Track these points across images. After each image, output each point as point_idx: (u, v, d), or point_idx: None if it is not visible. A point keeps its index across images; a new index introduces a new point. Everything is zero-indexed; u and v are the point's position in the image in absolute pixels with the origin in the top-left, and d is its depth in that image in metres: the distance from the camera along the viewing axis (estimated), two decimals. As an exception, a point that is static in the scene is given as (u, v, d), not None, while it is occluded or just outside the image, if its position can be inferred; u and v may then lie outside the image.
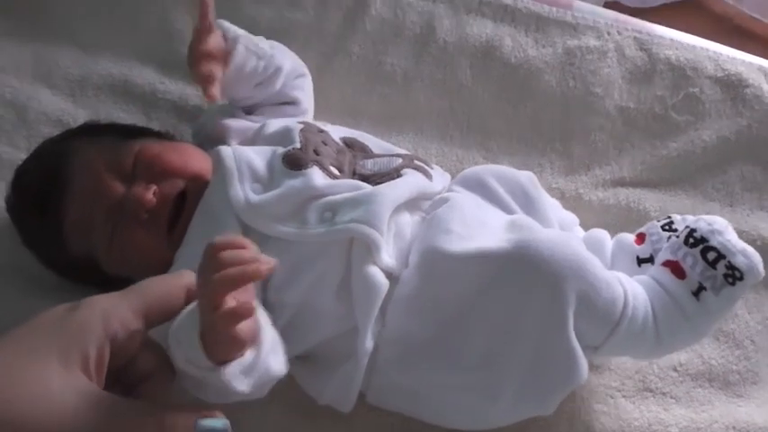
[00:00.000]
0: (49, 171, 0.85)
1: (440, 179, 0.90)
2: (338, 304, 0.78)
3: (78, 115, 1.03)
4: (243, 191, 0.80)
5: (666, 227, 0.86)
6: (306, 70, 1.00)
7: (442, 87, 1.11)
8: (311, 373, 0.82)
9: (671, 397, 0.91)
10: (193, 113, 1.04)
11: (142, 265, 0.80)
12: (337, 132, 0.92)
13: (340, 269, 0.78)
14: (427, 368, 0.76)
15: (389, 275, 0.77)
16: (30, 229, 0.88)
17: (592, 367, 0.78)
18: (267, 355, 0.61)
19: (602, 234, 0.91)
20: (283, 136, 0.86)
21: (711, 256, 0.77)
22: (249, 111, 0.96)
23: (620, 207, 1.04)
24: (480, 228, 0.79)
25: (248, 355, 0.58)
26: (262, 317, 0.62)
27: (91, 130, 0.92)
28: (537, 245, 0.73)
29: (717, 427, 0.89)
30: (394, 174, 0.85)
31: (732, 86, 1.10)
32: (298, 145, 0.83)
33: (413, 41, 1.12)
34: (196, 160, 0.86)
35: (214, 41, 0.86)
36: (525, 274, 0.73)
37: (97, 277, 0.84)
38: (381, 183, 0.82)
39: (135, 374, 0.57)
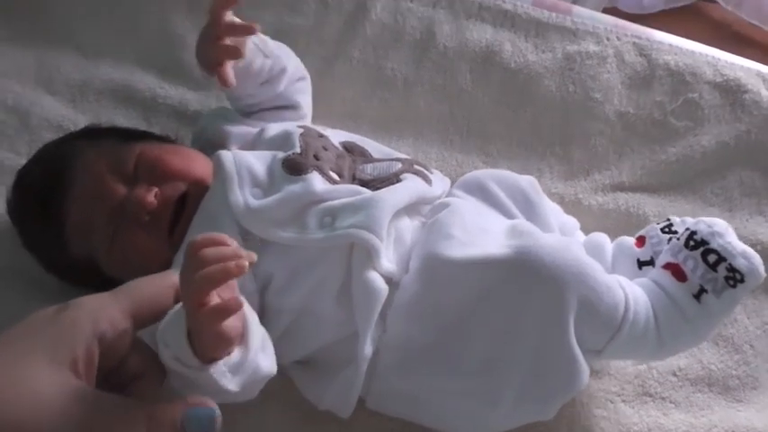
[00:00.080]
0: (51, 173, 0.85)
1: (439, 184, 0.90)
2: (338, 309, 0.78)
3: (79, 120, 1.03)
4: (243, 196, 0.80)
5: (666, 229, 0.86)
6: (306, 73, 1.00)
7: (442, 92, 1.11)
8: (311, 378, 0.82)
9: (670, 402, 0.91)
10: (194, 118, 1.05)
11: (143, 267, 0.80)
12: (337, 137, 0.92)
13: (340, 274, 0.78)
14: (427, 373, 0.76)
15: (389, 281, 0.77)
16: (30, 231, 0.88)
17: (591, 372, 0.78)
18: (256, 353, 0.62)
19: (602, 238, 0.91)
20: (283, 140, 0.86)
21: (712, 258, 0.77)
22: (248, 113, 0.96)
23: (619, 212, 1.04)
24: (481, 233, 0.79)
25: (236, 353, 0.59)
26: (249, 315, 0.62)
27: (92, 134, 0.93)
28: (538, 250, 0.73)
29: (716, 431, 0.89)
30: (393, 179, 0.85)
31: (731, 92, 1.10)
32: (298, 150, 0.83)
33: (413, 46, 1.13)
34: (198, 164, 0.86)
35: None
36: (526, 280, 0.73)
37: (97, 280, 0.84)
38: (381, 188, 0.82)
39: (125, 375, 0.57)
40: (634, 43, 1.13)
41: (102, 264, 0.84)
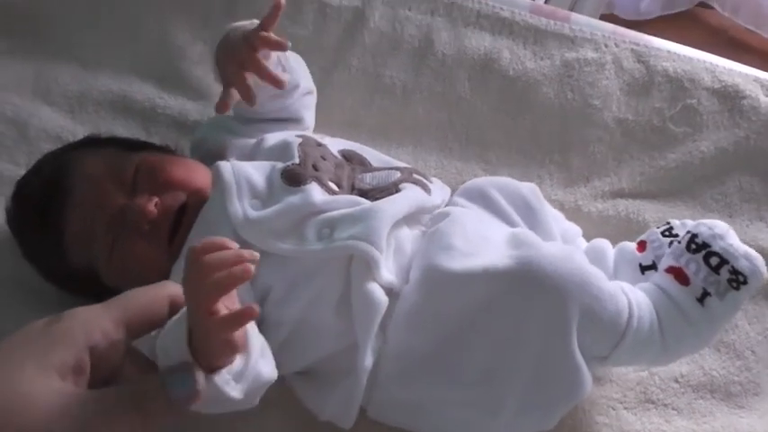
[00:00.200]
0: (51, 182, 0.85)
1: (439, 192, 0.90)
2: (338, 321, 0.78)
3: (78, 131, 1.03)
4: (241, 207, 0.79)
5: (666, 232, 0.86)
6: (313, 87, 1.00)
7: (440, 100, 1.11)
8: (311, 388, 0.82)
9: (672, 408, 0.91)
10: (193, 128, 1.04)
11: (141, 276, 0.79)
12: (336, 145, 0.92)
13: (339, 286, 0.78)
14: (428, 383, 0.76)
15: (390, 291, 0.77)
16: (30, 240, 0.88)
17: (594, 379, 0.78)
18: (257, 360, 0.61)
19: (604, 244, 0.91)
20: (282, 150, 0.86)
21: (714, 261, 0.77)
22: (248, 120, 0.96)
23: (619, 218, 1.04)
24: (482, 243, 0.79)
25: (238, 361, 0.59)
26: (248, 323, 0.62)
27: (92, 143, 0.93)
28: (540, 260, 0.73)
29: (718, 438, 0.89)
30: (392, 188, 0.85)
31: (729, 98, 1.10)
32: (296, 160, 0.83)
33: (411, 54, 1.13)
34: (198, 174, 0.86)
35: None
36: (529, 291, 0.73)
37: (96, 289, 0.83)
38: (380, 198, 0.82)
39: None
40: (632, 50, 1.14)
41: (101, 273, 0.84)
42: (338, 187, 0.83)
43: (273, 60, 0.88)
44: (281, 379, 0.69)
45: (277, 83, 0.84)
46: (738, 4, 2.20)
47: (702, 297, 0.77)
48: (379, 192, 0.84)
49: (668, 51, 1.14)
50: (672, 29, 2.07)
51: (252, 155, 0.90)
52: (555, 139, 1.09)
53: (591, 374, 0.75)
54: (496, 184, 0.90)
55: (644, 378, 0.92)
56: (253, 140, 0.92)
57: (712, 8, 2.29)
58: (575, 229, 0.94)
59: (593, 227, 1.01)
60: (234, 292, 0.58)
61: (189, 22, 1.13)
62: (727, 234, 0.79)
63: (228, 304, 0.56)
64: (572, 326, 0.72)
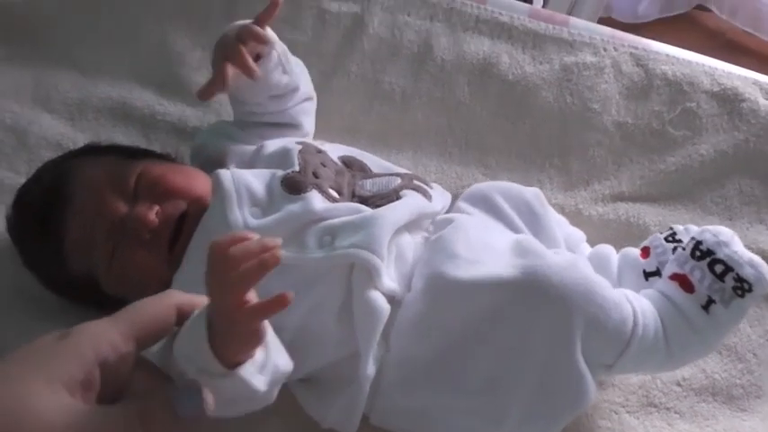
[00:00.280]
0: (51, 189, 0.85)
1: (439, 198, 0.90)
2: (339, 328, 0.77)
3: (78, 139, 1.03)
4: (242, 215, 0.79)
5: (670, 238, 0.86)
6: (313, 93, 1.00)
7: (440, 105, 1.11)
8: (314, 396, 0.81)
9: (675, 412, 0.91)
10: (193, 135, 1.04)
11: (141, 284, 0.80)
12: (336, 151, 0.92)
13: (340, 294, 0.77)
14: (431, 391, 0.76)
15: (391, 299, 0.77)
16: (30, 248, 0.87)
17: (596, 384, 0.78)
18: (273, 352, 0.62)
19: (608, 250, 0.91)
20: (282, 157, 0.86)
21: (719, 268, 0.77)
22: (247, 123, 0.96)
23: (619, 222, 1.04)
24: (486, 250, 0.79)
25: (258, 353, 0.59)
26: None
27: (92, 151, 0.92)
28: (545, 270, 0.73)
29: (721, 441, 0.89)
30: (393, 195, 0.85)
31: (728, 101, 1.10)
32: (297, 168, 0.83)
33: (410, 60, 1.13)
34: (199, 182, 0.86)
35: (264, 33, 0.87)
36: (534, 301, 0.73)
37: (96, 297, 0.84)
38: (381, 205, 0.82)
39: (132, 395, 0.57)
40: (631, 53, 1.14)
41: (100, 280, 0.84)
42: (339, 194, 0.83)
43: (274, 60, 0.89)
44: (283, 386, 0.69)
45: (248, 70, 0.84)
46: (736, 6, 2.20)
47: (707, 304, 0.77)
48: (380, 198, 0.84)
49: (667, 55, 1.14)
50: (669, 32, 2.07)
51: (252, 162, 0.89)
52: (554, 143, 1.10)
53: (595, 382, 0.75)
54: (500, 188, 0.90)
55: (646, 382, 0.92)
56: (252, 147, 0.91)
57: (710, 11, 2.29)
58: (578, 235, 0.94)
59: (593, 230, 1.01)
60: None
61: (188, 28, 1.13)
62: (731, 241, 0.79)
63: (251, 297, 0.56)
64: (576, 335, 0.72)
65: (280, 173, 0.83)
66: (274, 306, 0.54)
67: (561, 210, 1.03)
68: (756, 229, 1.05)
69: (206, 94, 0.85)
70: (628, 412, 0.90)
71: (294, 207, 0.79)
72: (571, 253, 0.89)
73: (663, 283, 0.81)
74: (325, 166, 0.86)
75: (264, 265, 0.54)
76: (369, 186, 0.86)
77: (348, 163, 0.91)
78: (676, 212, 1.06)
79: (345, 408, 0.78)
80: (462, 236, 0.80)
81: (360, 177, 0.88)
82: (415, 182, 0.89)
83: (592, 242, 0.96)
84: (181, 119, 1.07)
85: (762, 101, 1.10)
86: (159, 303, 0.59)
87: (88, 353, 0.52)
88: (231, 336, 0.55)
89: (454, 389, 0.75)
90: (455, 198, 0.95)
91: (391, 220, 0.79)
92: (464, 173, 1.07)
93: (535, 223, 0.87)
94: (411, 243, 0.83)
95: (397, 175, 0.90)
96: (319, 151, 0.89)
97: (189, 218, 0.83)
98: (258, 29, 0.86)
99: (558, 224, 0.91)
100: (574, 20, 1.18)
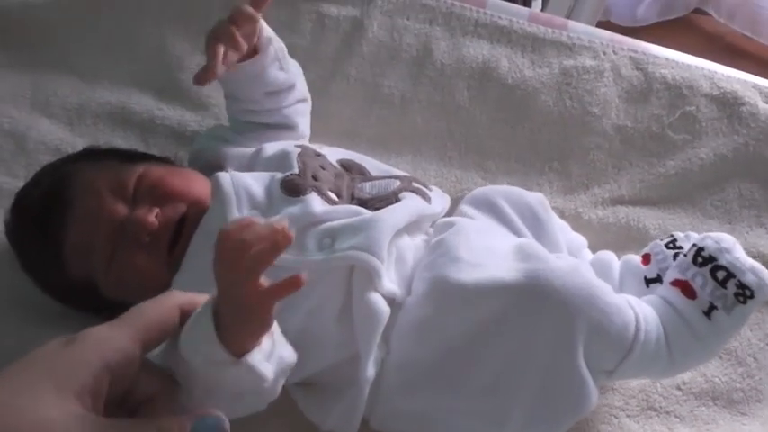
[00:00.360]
0: (50, 192, 0.85)
1: (439, 201, 0.90)
2: (339, 331, 0.77)
3: (77, 143, 1.03)
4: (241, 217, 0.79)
5: (670, 245, 0.86)
6: (308, 95, 1.01)
7: (439, 109, 1.11)
8: (313, 399, 0.81)
9: (675, 416, 0.91)
10: (192, 139, 1.04)
11: (141, 287, 0.79)
12: (334, 155, 0.92)
13: (340, 296, 0.77)
14: (433, 394, 0.76)
15: (391, 301, 0.77)
16: (29, 251, 0.87)
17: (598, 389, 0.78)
18: (278, 342, 0.62)
19: (609, 256, 0.91)
20: (281, 160, 0.86)
21: (721, 275, 0.77)
22: (243, 124, 0.96)
23: (619, 225, 1.04)
24: (487, 254, 0.79)
25: (265, 341, 0.59)
26: None
27: (92, 155, 0.92)
28: (548, 275, 0.73)
29: (722, 445, 0.88)
30: (392, 198, 0.85)
31: (728, 104, 1.10)
32: (296, 170, 0.83)
33: (410, 64, 1.13)
34: (198, 185, 0.86)
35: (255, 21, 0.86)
36: (536, 305, 0.73)
37: (94, 302, 0.83)
38: (380, 207, 0.82)
39: (137, 397, 0.57)
40: (630, 57, 1.14)
41: (99, 284, 0.83)
42: (338, 197, 0.83)
43: (271, 55, 0.89)
44: (282, 390, 0.69)
45: (237, 44, 0.84)
46: (734, 10, 2.21)
47: (709, 311, 0.77)
48: (379, 201, 0.84)
49: (666, 58, 1.14)
50: (668, 35, 2.08)
51: (250, 165, 0.90)
52: (554, 146, 1.10)
53: (597, 387, 0.75)
54: (504, 193, 0.91)
55: (646, 386, 0.92)
56: (251, 150, 0.91)
57: (708, 14, 2.29)
58: (580, 240, 0.95)
59: (593, 234, 1.01)
60: None
61: (187, 33, 1.13)
62: (733, 248, 0.79)
63: (263, 281, 0.57)
64: (579, 340, 0.72)
65: (279, 175, 0.83)
66: (288, 287, 0.54)
67: (561, 214, 1.03)
68: (756, 233, 1.05)
69: (202, 78, 0.83)
70: (628, 416, 0.89)
71: (293, 209, 0.79)
72: (574, 258, 0.89)
73: (664, 289, 0.81)
74: (324, 169, 0.86)
75: (277, 246, 0.54)
76: (368, 189, 0.86)
77: (347, 166, 0.91)
78: (676, 216, 1.06)
79: (345, 411, 0.78)
80: (464, 239, 0.80)
81: (359, 180, 0.88)
82: (414, 184, 0.89)
83: (592, 246, 0.97)
84: (180, 123, 1.07)
85: (761, 104, 1.10)
86: (162, 305, 0.58)
87: (96, 359, 0.52)
88: (241, 322, 0.55)
89: (456, 392, 0.75)
90: (455, 202, 0.95)
91: (391, 222, 0.79)
92: (463, 177, 1.07)
93: (538, 228, 0.87)
94: (411, 245, 0.83)
95: (396, 177, 0.90)
96: (318, 154, 0.89)
97: (188, 220, 0.83)
98: (248, 8, 0.85)
99: (561, 230, 0.91)
100: (573, 23, 1.18)
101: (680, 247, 0.85)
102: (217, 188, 0.81)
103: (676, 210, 1.07)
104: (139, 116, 1.07)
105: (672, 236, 0.88)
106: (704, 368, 0.94)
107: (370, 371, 0.75)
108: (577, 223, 1.02)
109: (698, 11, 2.30)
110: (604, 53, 1.14)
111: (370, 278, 0.76)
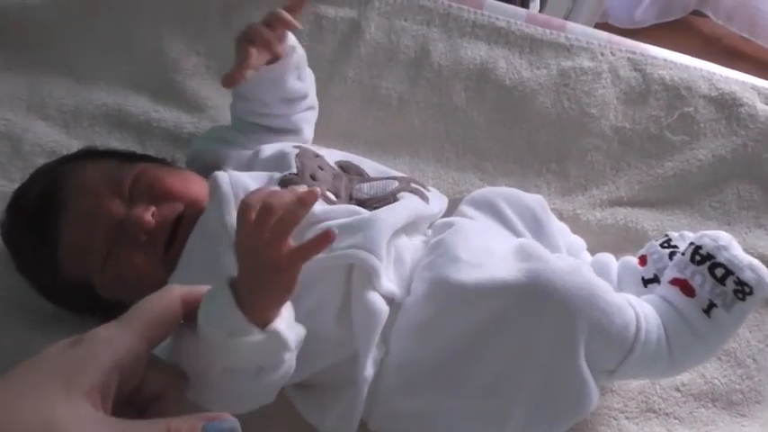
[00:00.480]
0: (47, 191, 0.85)
1: (437, 201, 0.90)
2: (338, 330, 0.77)
3: (73, 146, 1.02)
4: None
5: (665, 244, 0.87)
6: (316, 103, 1.01)
7: (437, 110, 1.11)
8: (311, 401, 0.81)
9: (674, 418, 0.91)
10: (189, 141, 1.04)
11: (137, 286, 0.79)
12: (332, 156, 0.92)
13: (339, 295, 0.77)
14: (432, 394, 0.76)
15: (391, 301, 0.77)
16: (25, 251, 0.87)
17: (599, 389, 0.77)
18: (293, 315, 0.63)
19: (608, 258, 0.91)
20: (279, 161, 0.86)
21: (719, 272, 0.77)
22: (247, 124, 0.96)
23: (618, 227, 1.04)
24: (487, 254, 0.79)
25: (285, 310, 0.61)
26: None
27: (88, 155, 0.92)
28: (549, 275, 0.73)
29: (721, 447, 0.88)
30: (390, 198, 0.85)
31: (726, 105, 1.10)
32: (294, 170, 0.83)
33: (407, 65, 1.13)
34: (195, 184, 0.86)
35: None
36: (537, 305, 0.72)
37: (90, 303, 0.83)
38: (378, 207, 0.82)
39: (145, 395, 0.57)
40: (629, 58, 1.14)
41: (96, 283, 0.83)
42: (336, 197, 0.83)
43: (293, 63, 0.91)
44: (280, 391, 0.69)
45: (271, 48, 0.85)
46: (732, 11, 2.21)
47: (709, 308, 0.77)
48: (377, 201, 0.84)
49: (665, 59, 1.14)
50: (666, 37, 2.08)
51: (249, 165, 0.90)
52: (552, 148, 1.09)
53: (598, 388, 0.75)
54: (504, 194, 0.91)
55: (645, 387, 0.91)
56: (250, 151, 0.92)
57: (706, 16, 2.29)
58: (579, 243, 0.95)
59: (591, 236, 1.01)
60: None
61: (184, 34, 1.13)
62: (730, 245, 0.79)
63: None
64: (580, 340, 0.72)
65: (277, 175, 0.83)
66: (320, 243, 0.57)
67: (559, 215, 1.03)
68: (755, 234, 1.05)
69: (230, 79, 0.82)
70: (627, 418, 0.89)
71: None
72: (574, 258, 0.89)
73: (663, 289, 0.81)
74: (322, 169, 0.86)
75: (304, 203, 0.57)
76: (366, 189, 0.86)
77: (345, 167, 0.91)
78: (674, 217, 1.06)
79: (343, 412, 0.77)
80: (463, 240, 0.80)
81: (357, 181, 0.88)
82: (413, 185, 0.89)
83: (590, 247, 0.96)
84: (176, 125, 1.07)
85: (760, 105, 1.10)
86: (163, 299, 0.59)
87: (105, 359, 0.52)
88: (263, 290, 0.58)
89: (456, 392, 0.75)
90: (453, 203, 0.95)
91: (389, 221, 0.79)
92: (461, 178, 1.07)
93: (538, 230, 0.87)
94: (409, 245, 0.83)
95: (394, 178, 0.90)
96: (316, 156, 0.89)
97: (185, 220, 0.82)
98: (285, 13, 0.86)
99: (560, 232, 0.91)
100: (571, 24, 1.18)
101: (675, 246, 0.85)
102: (215, 187, 0.81)
103: (675, 211, 1.07)
104: (136, 118, 1.07)
105: (666, 235, 0.88)
106: (703, 369, 0.93)
107: (369, 370, 0.75)
108: (576, 225, 1.02)
109: (696, 13, 2.30)
110: (602, 54, 1.14)
111: (369, 277, 0.76)
